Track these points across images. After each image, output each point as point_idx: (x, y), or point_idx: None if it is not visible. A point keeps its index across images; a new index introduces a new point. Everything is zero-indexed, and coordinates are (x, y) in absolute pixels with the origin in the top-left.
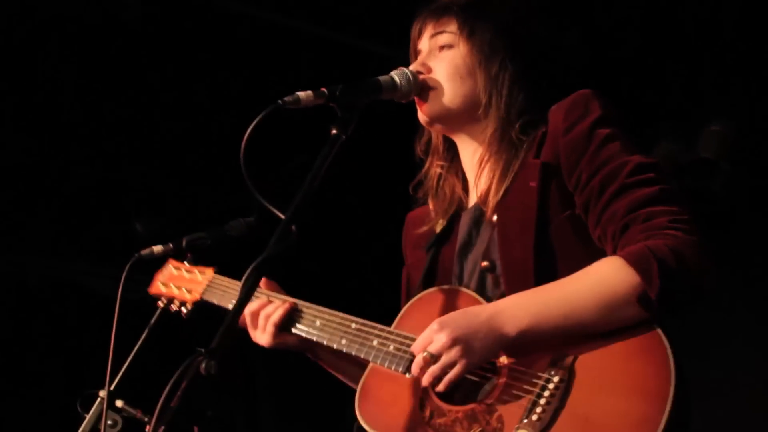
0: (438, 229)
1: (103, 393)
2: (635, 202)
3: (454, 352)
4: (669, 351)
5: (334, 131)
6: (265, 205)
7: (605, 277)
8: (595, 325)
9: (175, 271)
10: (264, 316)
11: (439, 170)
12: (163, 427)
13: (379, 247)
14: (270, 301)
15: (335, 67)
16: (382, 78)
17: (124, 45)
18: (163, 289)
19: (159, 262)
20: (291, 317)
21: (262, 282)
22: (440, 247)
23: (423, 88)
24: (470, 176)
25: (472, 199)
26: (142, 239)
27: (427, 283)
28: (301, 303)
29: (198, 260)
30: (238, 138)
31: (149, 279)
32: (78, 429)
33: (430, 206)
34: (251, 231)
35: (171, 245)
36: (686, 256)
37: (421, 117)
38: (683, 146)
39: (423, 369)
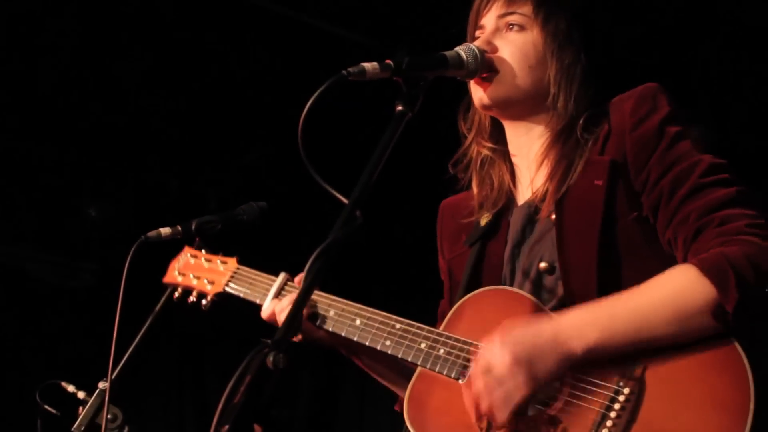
0: (483, 222)
1: (103, 384)
2: (710, 205)
3: (517, 377)
4: (746, 362)
5: (400, 107)
6: (326, 188)
7: (679, 288)
8: (667, 338)
9: (192, 260)
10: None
11: (485, 151)
12: (227, 426)
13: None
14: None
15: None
16: (448, 53)
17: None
18: (179, 279)
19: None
20: (326, 315)
21: (297, 279)
22: (486, 242)
23: (490, 68)
24: (524, 169)
25: (525, 194)
26: (96, 224)
27: (473, 280)
28: (337, 300)
29: (207, 246)
30: (193, 120)
31: (103, 267)
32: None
33: (475, 195)
34: (263, 215)
35: (180, 228)
36: (764, 266)
37: (482, 99)
38: None
39: (483, 395)
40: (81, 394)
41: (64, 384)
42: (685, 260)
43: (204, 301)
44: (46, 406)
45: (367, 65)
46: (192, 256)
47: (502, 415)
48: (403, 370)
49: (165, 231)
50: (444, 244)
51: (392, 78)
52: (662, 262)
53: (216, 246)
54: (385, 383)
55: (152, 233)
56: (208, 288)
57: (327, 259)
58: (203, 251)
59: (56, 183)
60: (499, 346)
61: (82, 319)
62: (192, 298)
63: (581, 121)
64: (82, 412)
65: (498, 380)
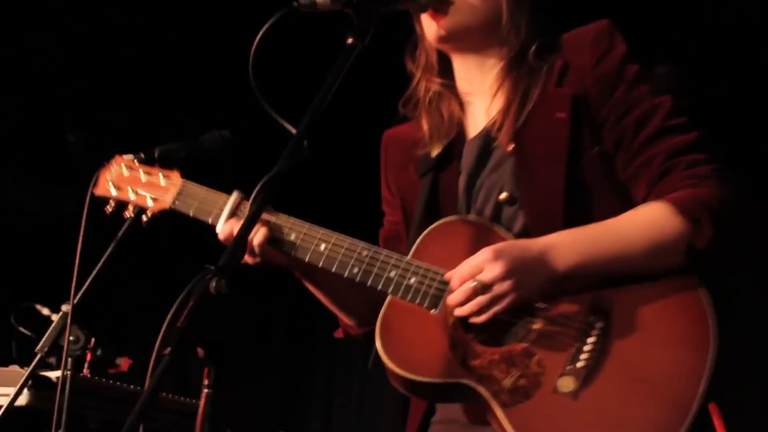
0: (434, 153)
1: (66, 307)
2: (675, 148)
3: (507, 285)
4: (709, 302)
5: (350, 41)
6: (276, 118)
7: (655, 223)
8: (641, 269)
9: (127, 171)
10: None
11: (434, 87)
12: (168, 348)
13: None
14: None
15: None
16: None
17: None
18: (114, 192)
19: None
20: (288, 239)
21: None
22: (439, 173)
23: (442, 0)
24: (477, 103)
25: (478, 125)
26: (75, 151)
27: (430, 210)
28: (300, 222)
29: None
30: (176, 48)
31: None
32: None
33: (424, 127)
34: (226, 144)
35: (142, 155)
36: (733, 208)
37: (435, 32)
38: None
39: (469, 298)
40: (55, 317)
41: (39, 307)
42: (645, 200)
43: (144, 218)
44: (21, 329)
45: None
46: (127, 167)
47: (482, 318)
48: (359, 298)
49: (127, 157)
50: (389, 175)
51: (344, 10)
52: (623, 198)
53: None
54: (334, 308)
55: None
56: (150, 204)
57: (273, 188)
58: (139, 164)
59: (39, 108)
60: (491, 256)
61: (63, 244)
62: (129, 213)
63: (533, 49)
64: (46, 333)
65: (485, 285)
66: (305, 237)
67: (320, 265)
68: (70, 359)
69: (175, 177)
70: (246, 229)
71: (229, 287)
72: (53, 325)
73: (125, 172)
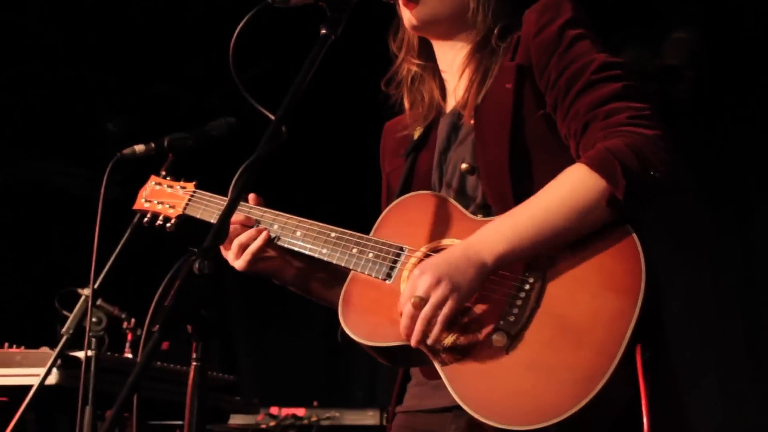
0: (416, 135)
1: (87, 291)
2: (597, 99)
3: (441, 290)
4: (639, 246)
5: (323, 31)
6: (255, 106)
7: (572, 187)
8: (569, 233)
9: (156, 187)
10: (238, 244)
11: (414, 68)
12: (157, 326)
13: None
14: (243, 228)
15: None
16: None
17: None
18: (146, 205)
19: (138, 160)
20: (272, 230)
21: (250, 197)
22: (418, 153)
23: None
24: (449, 82)
25: (450, 105)
26: (115, 139)
27: (405, 189)
28: (279, 214)
29: (180, 162)
30: (212, 38)
31: (126, 178)
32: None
33: (407, 111)
34: (232, 131)
35: (153, 145)
36: (646, 153)
37: (410, 20)
38: (649, 53)
39: (414, 316)
40: (98, 301)
41: (80, 290)
42: (577, 154)
43: (168, 224)
44: (65, 311)
45: None
46: (156, 183)
47: (436, 330)
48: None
49: (139, 148)
50: (385, 161)
51: (317, 3)
52: (569, 156)
53: (192, 160)
54: (322, 300)
55: (127, 150)
56: (170, 212)
57: (252, 173)
58: (168, 179)
59: (80, 99)
60: (418, 272)
61: (104, 229)
62: (159, 222)
63: (496, 31)
64: (70, 315)
65: (423, 299)
66: (285, 225)
67: (296, 249)
68: (93, 339)
69: (190, 186)
70: (228, 212)
71: (211, 267)
72: (76, 308)
73: (156, 188)
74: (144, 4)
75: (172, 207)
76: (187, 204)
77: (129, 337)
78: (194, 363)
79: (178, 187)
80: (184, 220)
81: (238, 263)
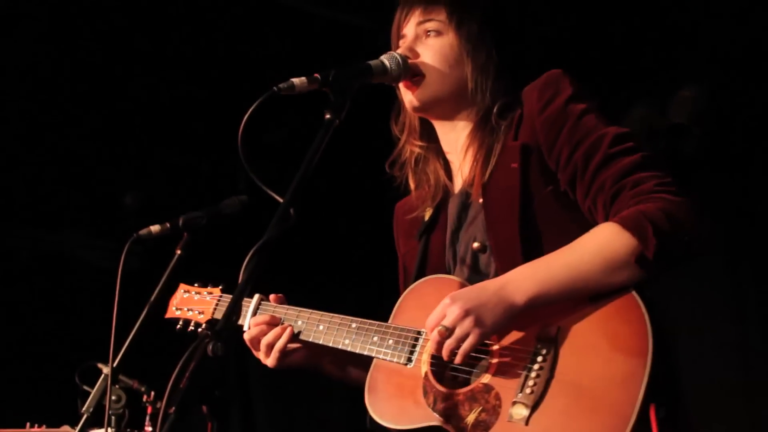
0: (426, 216)
1: (106, 369)
2: (621, 171)
3: (467, 324)
4: (643, 308)
5: (328, 116)
6: (264, 189)
7: (604, 242)
8: (599, 286)
9: (185, 294)
10: (266, 344)
11: (417, 150)
12: (173, 408)
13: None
14: (270, 327)
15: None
16: (373, 62)
17: (107, 15)
18: (177, 313)
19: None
20: (296, 326)
21: (271, 297)
22: (430, 235)
23: (413, 73)
24: (454, 161)
25: (458, 184)
26: (132, 212)
27: (421, 272)
28: (302, 310)
29: (194, 240)
30: (226, 112)
31: (144, 250)
32: (79, 403)
33: (413, 192)
34: (244, 208)
35: (168, 225)
36: (677, 216)
37: (411, 102)
38: (657, 111)
39: (440, 343)
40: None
41: (100, 365)
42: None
43: (200, 330)
44: (85, 387)
45: (296, 80)
46: (185, 291)
47: (457, 359)
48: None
49: (155, 228)
50: (400, 242)
51: (321, 89)
52: (581, 229)
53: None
54: (352, 382)
55: (143, 231)
56: (200, 318)
57: (263, 256)
58: (195, 285)
59: (97, 171)
60: (449, 301)
61: (124, 301)
62: (191, 328)
63: (495, 110)
64: (91, 391)
65: (449, 330)
66: (308, 321)
67: (320, 342)
68: (113, 417)
69: (216, 291)
70: (238, 295)
71: (224, 349)
72: (96, 386)
73: (185, 295)
74: (163, 82)
75: (201, 312)
76: (215, 309)
77: (149, 410)
78: None
79: (205, 293)
80: (212, 322)
81: (269, 361)
